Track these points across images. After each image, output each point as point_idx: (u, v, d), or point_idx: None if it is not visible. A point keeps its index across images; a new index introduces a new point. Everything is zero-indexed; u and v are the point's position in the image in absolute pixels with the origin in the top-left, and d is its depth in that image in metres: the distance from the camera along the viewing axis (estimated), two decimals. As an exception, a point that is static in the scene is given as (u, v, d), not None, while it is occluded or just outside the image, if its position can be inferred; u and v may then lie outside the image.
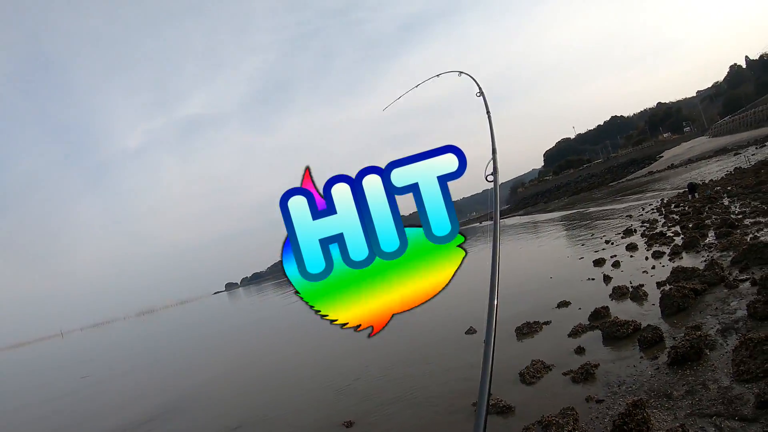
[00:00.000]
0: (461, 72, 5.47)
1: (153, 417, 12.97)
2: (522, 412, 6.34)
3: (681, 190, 22.32)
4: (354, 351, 13.78)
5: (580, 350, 7.73)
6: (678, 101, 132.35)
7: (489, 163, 4.15)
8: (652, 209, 23.06)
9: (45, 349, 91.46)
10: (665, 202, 24.31)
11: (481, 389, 2.92)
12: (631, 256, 13.43)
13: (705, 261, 10.01)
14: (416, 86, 6.31)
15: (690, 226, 14.36)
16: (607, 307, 9.19)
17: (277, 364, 16.25)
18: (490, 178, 4.08)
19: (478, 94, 4.98)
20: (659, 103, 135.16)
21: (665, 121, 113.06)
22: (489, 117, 4.78)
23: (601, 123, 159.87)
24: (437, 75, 5.71)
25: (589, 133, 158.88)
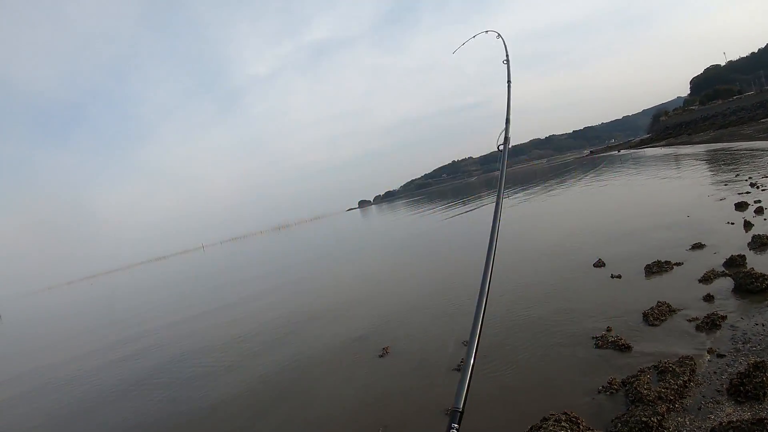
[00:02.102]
0: (498, 34, 5.48)
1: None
2: (640, 353, 6.61)
3: None
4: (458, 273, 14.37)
5: (708, 298, 7.72)
6: None
7: (501, 133, 4.20)
8: (809, 152, 21.07)
9: (190, 258, 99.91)
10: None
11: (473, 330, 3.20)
12: None
13: None
14: (462, 45, 6.37)
15: None
16: (744, 255, 8.93)
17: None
18: (502, 147, 4.13)
19: (504, 62, 4.97)
20: None
21: None
22: (509, 86, 4.79)
23: (756, 50, 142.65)
24: (473, 36, 6.11)
25: (742, 61, 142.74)
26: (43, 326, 39.61)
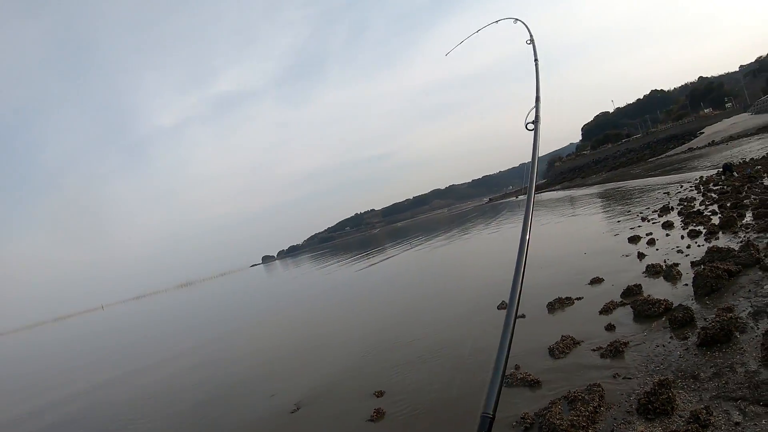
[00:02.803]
0: (516, 19, 5.55)
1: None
2: (549, 386, 6.51)
3: (720, 169, 21.91)
4: (383, 319, 14.16)
5: (610, 327, 7.82)
6: (720, 76, 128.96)
7: (531, 110, 4.10)
8: (691, 187, 22.66)
9: (88, 319, 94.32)
10: (704, 179, 23.80)
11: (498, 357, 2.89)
12: (667, 234, 13.30)
13: (741, 242, 9.87)
14: (476, 32, 6.42)
15: (728, 205, 14.10)
16: (640, 285, 9.22)
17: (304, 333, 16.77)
18: (531, 126, 4.03)
19: (529, 42, 5.01)
20: (701, 77, 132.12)
21: (707, 96, 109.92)
22: (536, 64, 4.80)
23: (641, 97, 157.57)
24: (496, 21, 6.00)
25: (629, 107, 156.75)
26: None
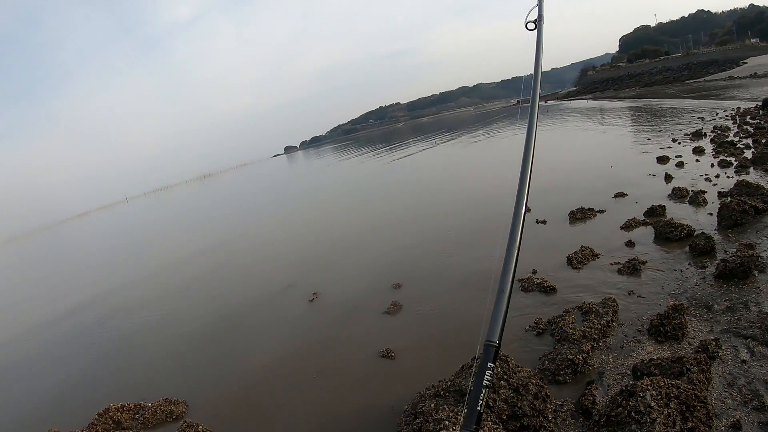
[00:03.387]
0: None
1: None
2: (564, 294, 6.83)
3: (760, 103, 21.05)
4: (405, 214, 14.46)
5: (630, 244, 8.04)
6: None
7: (534, 8, 3.83)
8: (726, 116, 21.87)
9: (113, 213, 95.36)
10: (741, 111, 22.92)
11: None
12: (697, 160, 13.06)
13: (773, 180, 9.82)
14: None
15: (763, 141, 13.73)
16: (664, 206, 9.32)
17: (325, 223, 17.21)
18: (532, 26, 3.76)
19: None
20: (752, 4, 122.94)
21: (756, 26, 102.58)
22: None
23: (686, 15, 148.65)
24: None
25: (671, 24, 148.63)
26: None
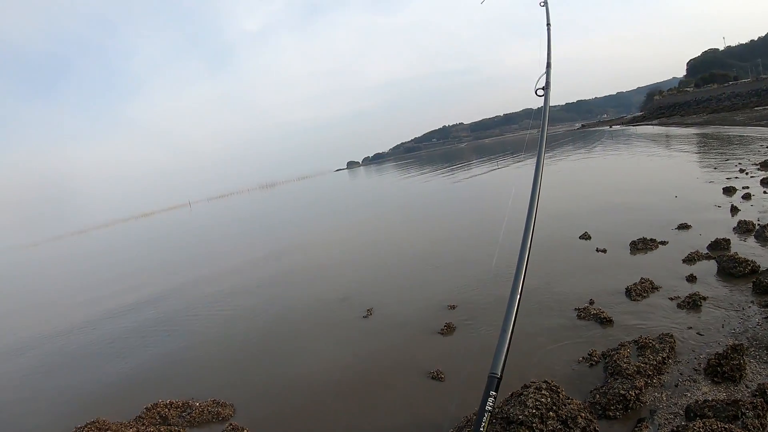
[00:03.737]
0: None
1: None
2: (621, 327, 6.74)
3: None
4: (465, 235, 14.49)
5: (691, 278, 7.86)
6: None
7: (541, 77, 4.06)
8: (797, 145, 21.10)
9: (177, 214, 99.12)
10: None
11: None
12: (765, 192, 12.65)
13: None
14: None
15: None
16: (729, 239, 9.05)
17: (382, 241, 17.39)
18: (541, 92, 4.00)
19: (542, 4, 4.83)
20: None
21: None
22: (548, 29, 4.65)
23: (756, 38, 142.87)
24: None
25: (741, 48, 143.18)
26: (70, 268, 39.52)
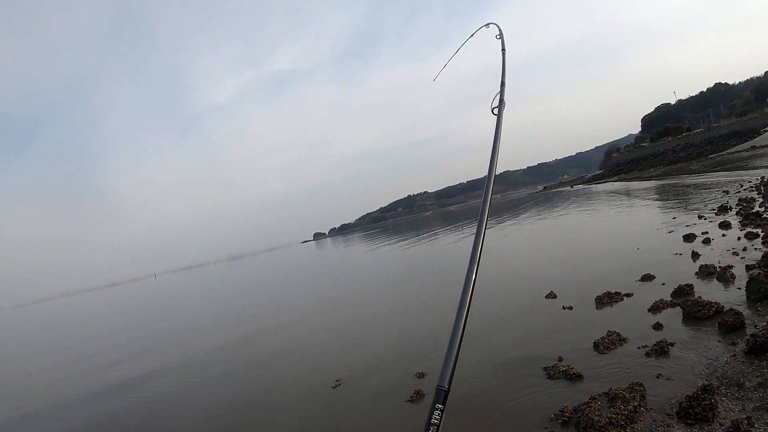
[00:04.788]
0: (489, 23, 5.39)
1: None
2: (591, 381, 6.56)
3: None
4: (424, 307, 14.37)
5: (658, 326, 7.77)
6: None
7: (496, 96, 4.16)
8: (751, 187, 21.87)
9: (141, 287, 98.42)
10: (766, 180, 22.92)
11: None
12: (723, 235, 12.98)
13: (802, 248, 9.64)
14: (456, 52, 6.37)
15: (790, 209, 13.65)
16: (692, 285, 9.08)
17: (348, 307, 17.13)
18: (497, 111, 4.07)
19: (498, 37, 5.03)
20: (767, 72, 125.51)
21: None
22: (503, 53, 4.82)
23: (704, 90, 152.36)
24: (471, 35, 5.82)
25: (691, 100, 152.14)
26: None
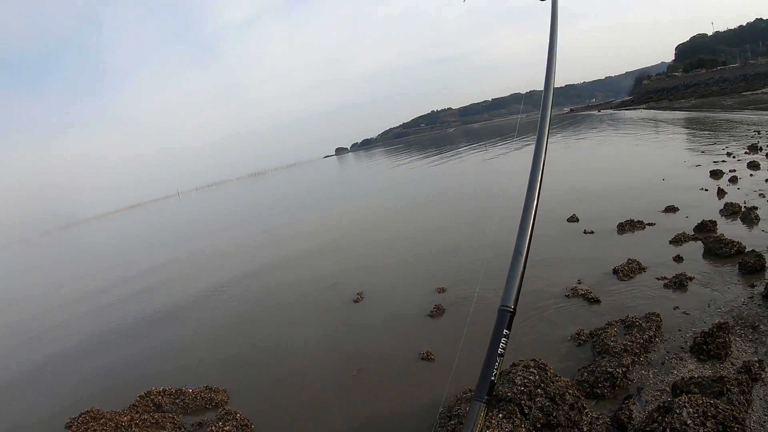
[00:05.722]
0: None
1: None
2: (608, 306, 6.79)
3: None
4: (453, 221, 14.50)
5: (678, 258, 7.92)
6: None
7: None
8: (785, 129, 21.27)
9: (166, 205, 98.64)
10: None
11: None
12: (751, 175, 12.76)
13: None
14: None
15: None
16: (715, 221, 9.13)
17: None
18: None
19: None
20: None
21: None
22: None
23: (744, 24, 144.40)
24: None
25: (729, 33, 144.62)
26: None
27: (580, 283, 7.68)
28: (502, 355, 2.44)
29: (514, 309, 2.48)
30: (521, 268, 2.62)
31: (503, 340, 2.44)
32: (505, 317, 2.49)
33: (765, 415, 3.95)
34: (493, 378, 2.47)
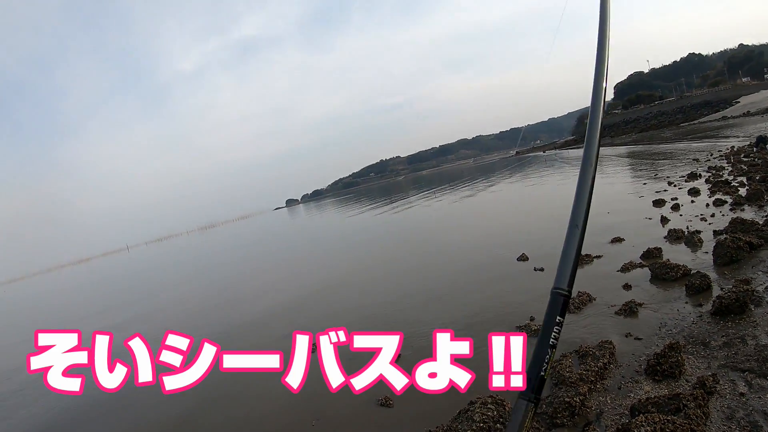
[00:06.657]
0: None
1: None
2: (561, 340, 6.66)
3: (753, 140, 21.65)
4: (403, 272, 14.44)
5: (627, 287, 8.02)
6: (761, 45, 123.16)
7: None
8: (721, 156, 22.40)
9: (116, 260, 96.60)
10: (735, 150, 23.42)
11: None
12: (692, 201, 13.34)
13: (766, 216, 9.92)
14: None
15: (757, 178, 13.95)
16: (660, 248, 9.35)
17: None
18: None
19: None
20: (741, 44, 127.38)
21: (745, 65, 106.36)
22: None
23: (678, 59, 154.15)
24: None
25: (664, 69, 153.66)
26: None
27: (532, 320, 7.63)
28: (554, 346, 2.15)
29: (569, 292, 2.21)
30: (577, 244, 2.32)
31: (556, 328, 2.16)
32: (558, 301, 2.20)
33: (723, 425, 3.90)
34: (542, 373, 2.20)
